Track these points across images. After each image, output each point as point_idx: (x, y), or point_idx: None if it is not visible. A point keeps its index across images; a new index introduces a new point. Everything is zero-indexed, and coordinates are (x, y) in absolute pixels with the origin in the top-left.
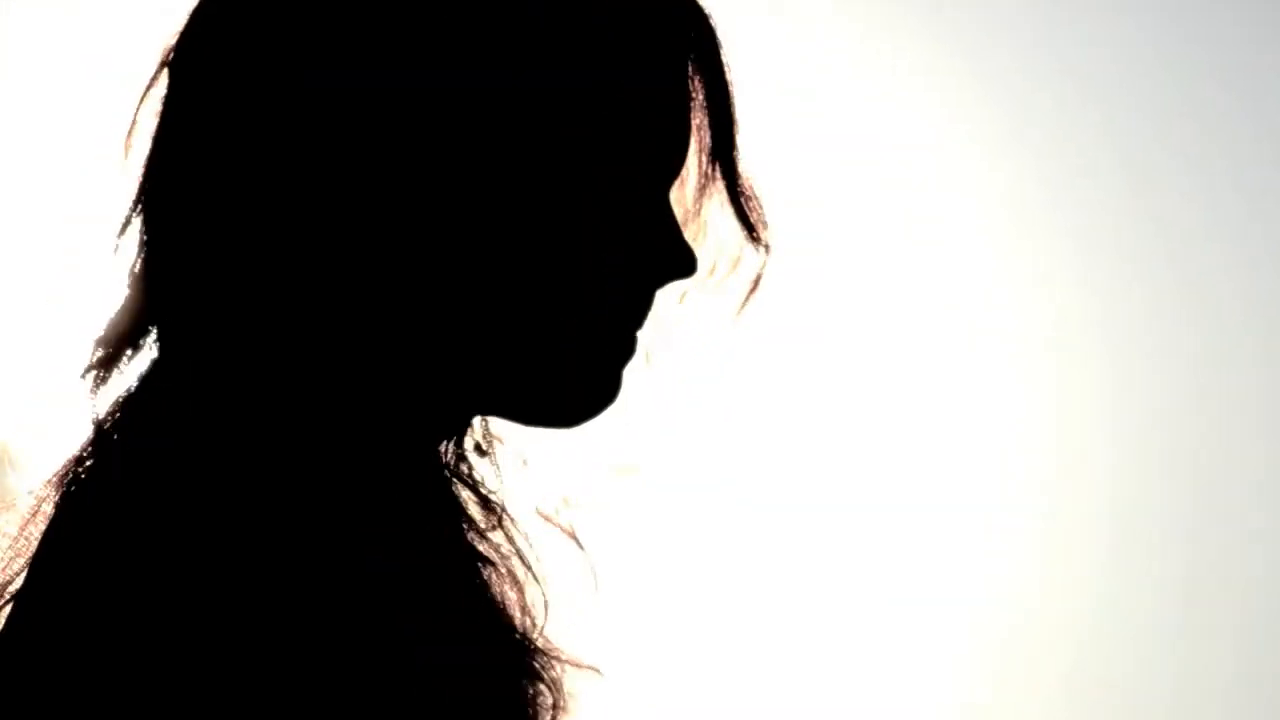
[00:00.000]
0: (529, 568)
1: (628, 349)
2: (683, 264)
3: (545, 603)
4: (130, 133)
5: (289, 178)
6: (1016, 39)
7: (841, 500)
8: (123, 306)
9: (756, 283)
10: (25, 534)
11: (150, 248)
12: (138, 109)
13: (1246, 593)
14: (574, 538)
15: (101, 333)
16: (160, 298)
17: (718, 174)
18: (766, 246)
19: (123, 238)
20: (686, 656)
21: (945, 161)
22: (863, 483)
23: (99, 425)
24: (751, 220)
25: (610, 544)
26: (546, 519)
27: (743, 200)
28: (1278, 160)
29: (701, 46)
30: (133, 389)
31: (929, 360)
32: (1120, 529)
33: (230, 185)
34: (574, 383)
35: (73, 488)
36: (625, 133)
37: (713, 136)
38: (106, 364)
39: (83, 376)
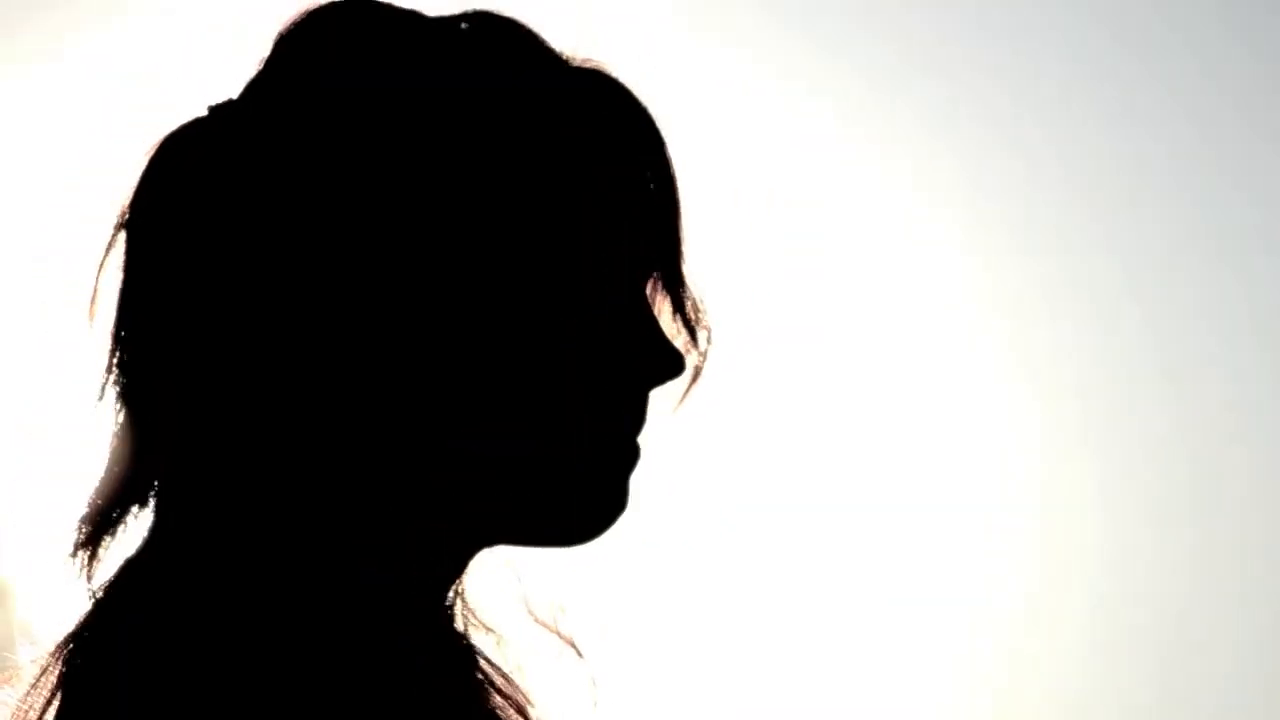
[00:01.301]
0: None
1: (633, 456)
2: (671, 364)
3: None
4: (93, 299)
5: (265, 330)
6: (1015, 45)
7: (841, 500)
8: (105, 479)
9: (695, 377)
10: (27, 705)
11: (131, 415)
12: (98, 274)
13: (1243, 591)
14: (573, 645)
15: (85, 509)
16: (150, 466)
17: (660, 285)
18: (704, 354)
19: (100, 403)
20: (687, 657)
21: (949, 166)
22: (862, 483)
23: (97, 599)
24: (693, 327)
25: (610, 546)
26: (545, 626)
27: (686, 310)
28: (1275, 162)
29: (651, 157)
30: (131, 557)
31: (929, 363)
32: (1119, 529)
33: (208, 340)
34: (586, 499)
35: (75, 661)
36: (598, 239)
37: (657, 245)
38: (94, 540)
39: (72, 556)
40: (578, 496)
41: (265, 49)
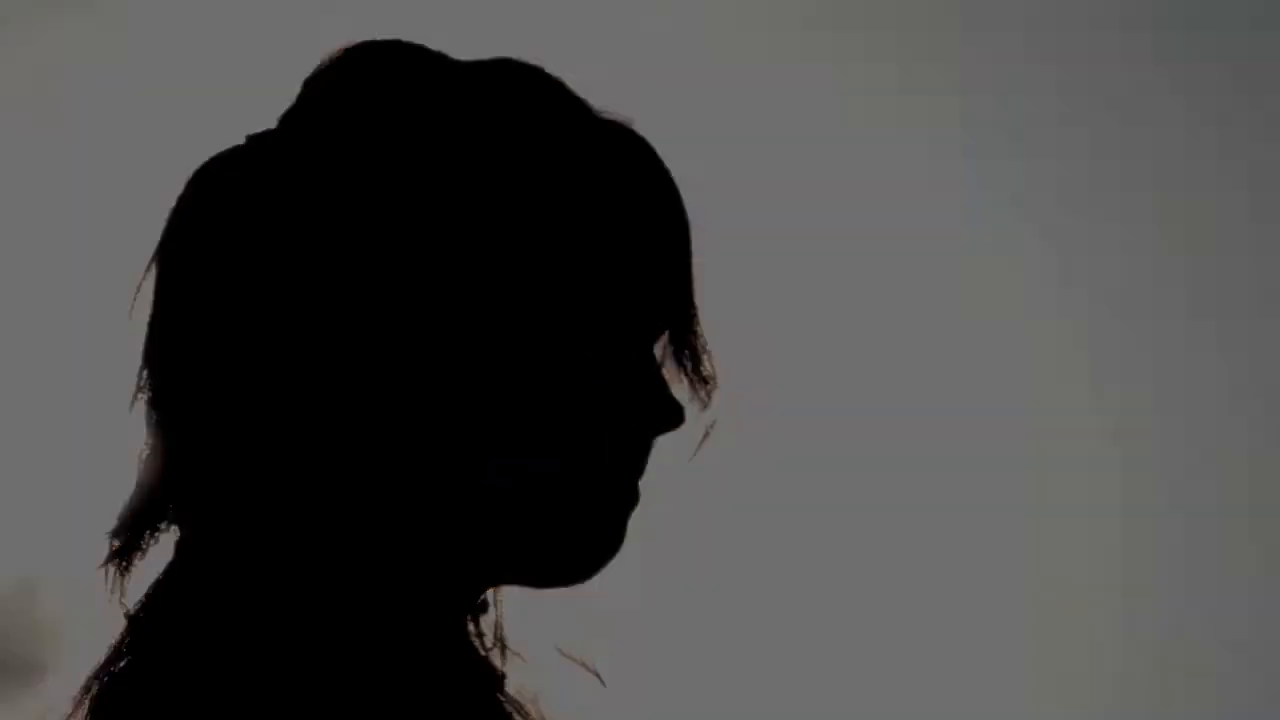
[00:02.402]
0: None
1: (632, 499)
2: (672, 417)
3: None
4: (130, 315)
5: (298, 355)
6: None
7: (842, 501)
8: (135, 493)
9: (707, 435)
10: None
11: (160, 432)
12: (133, 300)
13: (1246, 591)
14: (595, 673)
15: (115, 523)
16: (178, 480)
17: (670, 346)
18: (711, 409)
19: (130, 416)
20: (688, 657)
21: (953, 168)
22: (863, 483)
23: (130, 617)
24: (708, 389)
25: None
26: (567, 655)
27: (694, 379)
28: (1273, 160)
29: (667, 214)
30: (161, 577)
31: (930, 362)
32: (1119, 529)
33: (239, 364)
34: (585, 541)
35: (110, 690)
36: (611, 293)
37: (668, 300)
38: (125, 553)
39: (102, 568)
40: (581, 540)
41: (299, 81)
